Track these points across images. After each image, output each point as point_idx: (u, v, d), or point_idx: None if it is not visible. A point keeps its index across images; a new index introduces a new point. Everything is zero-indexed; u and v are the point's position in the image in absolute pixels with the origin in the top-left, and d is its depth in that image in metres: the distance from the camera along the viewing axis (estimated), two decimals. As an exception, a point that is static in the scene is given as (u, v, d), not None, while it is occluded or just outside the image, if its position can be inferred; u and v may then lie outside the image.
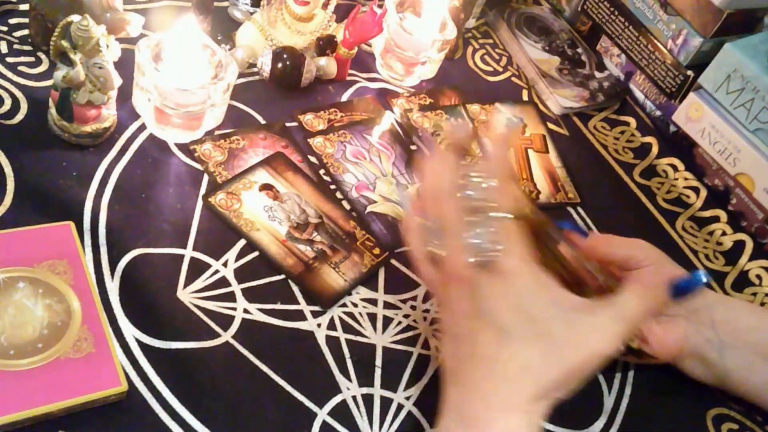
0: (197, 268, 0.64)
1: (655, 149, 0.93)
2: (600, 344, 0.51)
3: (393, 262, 0.71)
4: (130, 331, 0.58)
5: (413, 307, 0.68)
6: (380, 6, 0.83)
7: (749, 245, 0.86)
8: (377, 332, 0.65)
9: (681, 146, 0.93)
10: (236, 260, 0.66)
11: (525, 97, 0.94)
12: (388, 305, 0.67)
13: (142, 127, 0.72)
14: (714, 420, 0.69)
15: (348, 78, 0.85)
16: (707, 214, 0.88)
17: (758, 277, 0.83)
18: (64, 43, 0.63)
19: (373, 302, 0.67)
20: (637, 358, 0.67)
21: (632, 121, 0.96)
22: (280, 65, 0.78)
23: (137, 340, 0.58)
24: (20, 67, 0.72)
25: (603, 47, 1.02)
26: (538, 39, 1.00)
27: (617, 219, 0.84)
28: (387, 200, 0.75)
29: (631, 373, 0.70)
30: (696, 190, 0.90)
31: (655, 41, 0.94)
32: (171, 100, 0.68)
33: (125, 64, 0.70)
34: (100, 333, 0.56)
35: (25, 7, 0.75)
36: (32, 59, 0.73)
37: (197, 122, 0.71)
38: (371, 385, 0.62)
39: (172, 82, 0.67)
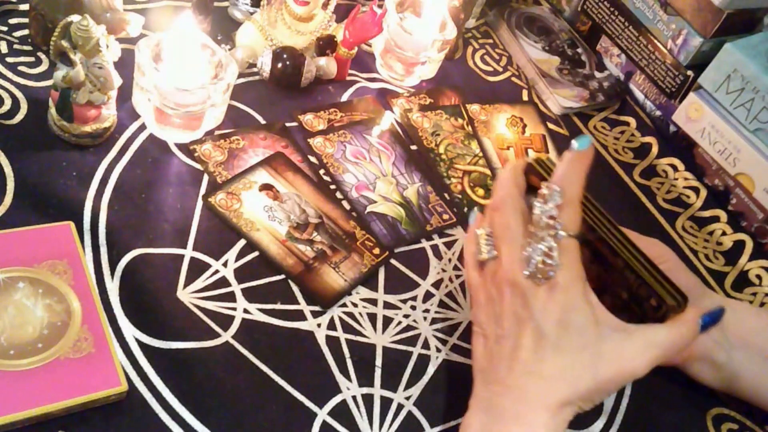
0: (197, 268, 0.64)
1: (655, 149, 0.93)
2: (632, 364, 0.54)
3: (393, 262, 0.71)
4: (130, 331, 0.58)
5: (413, 307, 0.68)
6: (380, 6, 0.83)
7: (749, 245, 0.86)
8: (377, 332, 0.65)
9: (681, 146, 0.93)
10: (236, 260, 0.66)
11: (525, 97, 0.94)
12: (388, 305, 0.67)
13: (142, 127, 0.72)
14: (714, 420, 0.69)
15: (348, 78, 0.85)
16: (707, 214, 0.88)
17: (758, 277, 0.83)
18: (64, 43, 0.63)
19: (373, 302, 0.67)
20: None
21: (632, 121, 0.96)
22: (280, 65, 0.78)
23: (137, 340, 0.58)
24: (20, 67, 0.72)
25: (603, 47, 1.02)
26: (538, 39, 1.00)
27: (617, 219, 0.83)
28: (387, 200, 0.75)
29: (631, 373, 0.70)
30: (696, 190, 0.90)
31: (655, 41, 0.94)
32: (171, 100, 0.68)
33: (125, 64, 0.71)
34: (100, 333, 0.56)
35: (25, 7, 0.75)
36: (32, 59, 0.73)
37: (197, 122, 0.71)
38: (371, 385, 0.62)
39: (172, 82, 0.67)
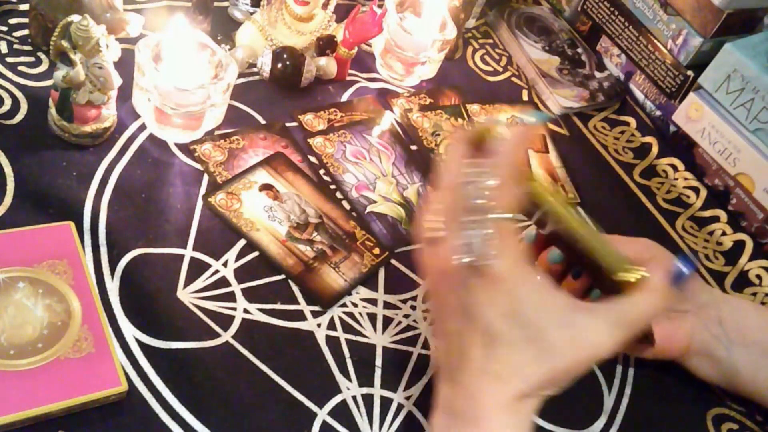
0: (197, 268, 0.64)
1: (655, 149, 0.93)
2: (595, 347, 0.50)
3: (393, 262, 0.71)
4: (130, 331, 0.58)
5: (413, 307, 0.68)
6: (380, 6, 0.83)
7: (749, 245, 0.86)
8: (377, 332, 0.65)
9: (681, 146, 0.93)
10: (236, 260, 0.66)
11: (525, 97, 0.94)
12: (388, 305, 0.67)
13: (142, 127, 0.72)
14: (714, 420, 0.69)
15: (348, 78, 0.85)
16: (707, 214, 0.88)
17: (758, 277, 0.83)
18: (64, 43, 0.63)
19: (373, 302, 0.67)
20: (644, 351, 0.66)
21: (632, 121, 0.96)
22: (280, 65, 0.78)
23: (137, 340, 0.58)
24: (20, 67, 0.72)
25: (603, 47, 1.02)
26: (538, 39, 1.00)
27: (617, 219, 0.84)
28: (387, 200, 0.75)
29: (631, 373, 0.70)
30: (696, 190, 0.90)
31: (655, 41, 0.94)
32: (171, 100, 0.68)
33: (125, 64, 0.70)
34: (100, 333, 0.56)
35: (25, 7, 0.75)
36: (32, 59, 0.73)
37: (197, 122, 0.71)
38: (371, 385, 0.62)
39: (172, 82, 0.67)
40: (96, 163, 0.68)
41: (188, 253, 0.65)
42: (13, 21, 0.75)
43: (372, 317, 0.66)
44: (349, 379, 0.62)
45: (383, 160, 0.78)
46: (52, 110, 0.67)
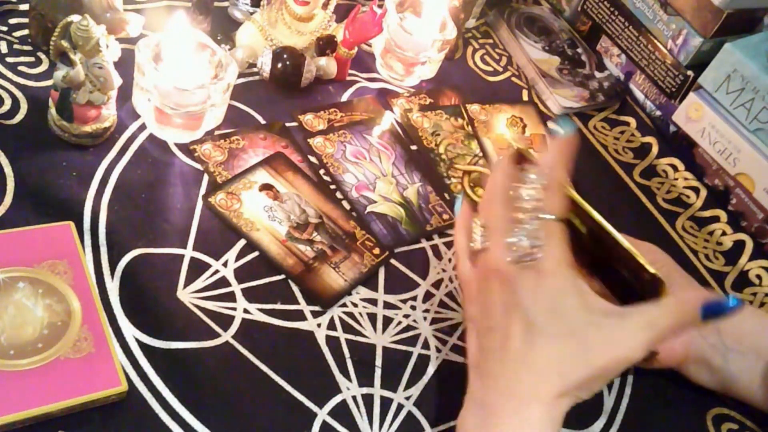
0: (197, 268, 0.64)
1: (655, 149, 0.93)
2: (626, 349, 0.52)
3: (393, 262, 0.71)
4: (130, 331, 0.58)
5: (413, 307, 0.68)
6: (380, 6, 0.83)
7: (749, 245, 0.86)
8: (377, 332, 0.65)
9: (681, 146, 0.93)
10: (236, 260, 0.66)
11: (525, 97, 0.94)
12: (388, 305, 0.67)
13: (142, 127, 0.72)
14: (714, 420, 0.69)
15: (348, 78, 0.85)
16: (707, 214, 0.88)
17: (758, 277, 0.83)
18: (64, 43, 0.63)
19: (373, 302, 0.67)
20: (644, 361, 0.66)
21: (632, 121, 0.96)
22: (280, 65, 0.78)
23: (137, 340, 0.58)
24: (20, 67, 0.72)
25: (603, 47, 1.02)
26: (538, 39, 1.00)
27: (617, 219, 0.84)
28: (387, 200, 0.75)
29: (631, 373, 0.70)
30: (696, 190, 0.90)
31: (655, 41, 0.94)
32: (171, 100, 0.68)
33: (125, 64, 0.71)
34: (100, 333, 0.56)
35: (25, 7, 0.75)
36: (32, 59, 0.73)
37: (197, 122, 0.71)
38: (371, 385, 0.62)
39: (172, 82, 0.67)
40: (96, 163, 0.68)
41: (188, 253, 0.65)
42: (13, 21, 0.75)
43: (372, 317, 0.66)
44: (349, 379, 0.62)
45: (383, 160, 0.78)
46: (52, 110, 0.67)
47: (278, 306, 0.64)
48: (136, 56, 0.68)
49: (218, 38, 0.81)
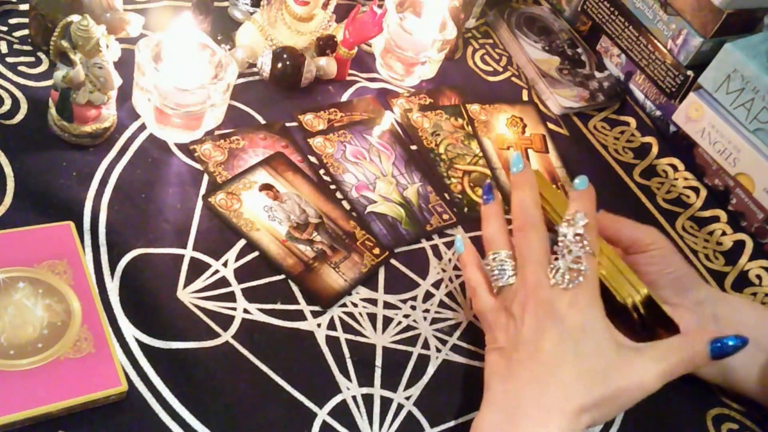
0: (197, 268, 0.64)
1: (655, 149, 0.93)
2: (643, 379, 0.55)
3: (393, 262, 0.71)
4: (130, 331, 0.58)
5: (413, 307, 0.68)
6: (380, 6, 0.83)
7: (749, 245, 0.86)
8: (377, 332, 0.65)
9: (681, 146, 0.93)
10: (236, 260, 0.66)
11: (525, 97, 0.94)
12: (388, 305, 0.67)
13: (142, 127, 0.72)
14: (714, 420, 0.69)
15: (348, 78, 0.85)
16: (707, 214, 0.88)
17: (758, 277, 0.83)
18: (64, 43, 0.63)
19: (373, 302, 0.67)
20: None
21: (632, 121, 0.96)
22: (280, 65, 0.78)
23: (137, 340, 0.58)
24: (20, 67, 0.72)
25: (603, 47, 1.02)
26: (538, 39, 1.00)
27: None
28: (387, 200, 0.75)
29: (631, 373, 0.70)
30: (696, 190, 0.90)
31: (655, 41, 0.94)
32: (171, 100, 0.68)
33: (125, 64, 0.70)
34: (100, 333, 0.56)
35: (25, 7, 0.75)
36: (32, 59, 0.73)
37: (197, 122, 0.71)
38: (371, 385, 0.62)
39: (172, 82, 0.67)
40: (96, 163, 0.68)
41: (188, 253, 0.65)
42: (13, 21, 0.75)
43: (372, 317, 0.66)
44: (349, 379, 0.62)
45: (383, 160, 0.78)
46: (52, 110, 0.67)
47: (278, 306, 0.64)
48: (136, 56, 0.68)
49: (218, 38, 0.81)
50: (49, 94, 0.67)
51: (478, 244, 0.65)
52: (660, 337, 0.61)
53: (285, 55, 0.78)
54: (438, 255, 0.73)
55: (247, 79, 0.80)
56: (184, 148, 0.72)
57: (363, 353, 0.63)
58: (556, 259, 0.58)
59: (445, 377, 0.64)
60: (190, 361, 0.58)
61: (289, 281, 0.66)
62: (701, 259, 0.83)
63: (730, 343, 0.57)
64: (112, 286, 0.60)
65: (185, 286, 0.62)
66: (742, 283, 0.82)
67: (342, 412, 0.60)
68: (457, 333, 0.68)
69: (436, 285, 0.71)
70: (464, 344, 0.67)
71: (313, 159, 0.76)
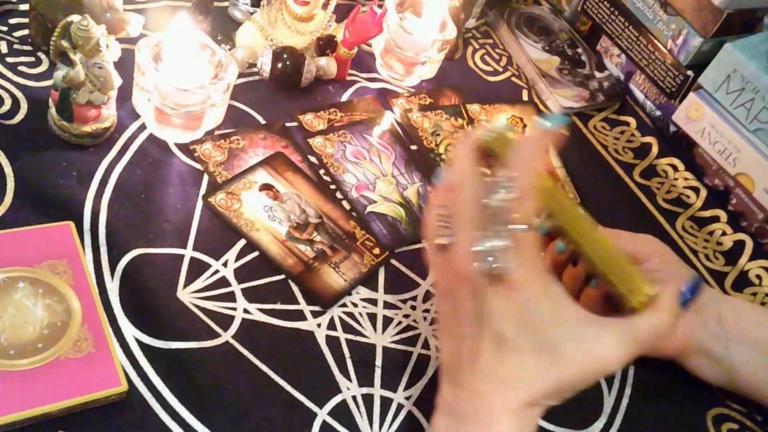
0: (197, 268, 0.64)
1: (655, 149, 0.93)
2: (604, 362, 0.51)
3: (393, 262, 0.71)
4: (130, 331, 0.58)
5: (413, 307, 0.68)
6: (380, 6, 0.83)
7: (749, 245, 0.86)
8: (377, 332, 0.65)
9: (681, 146, 0.93)
10: (236, 260, 0.66)
11: (525, 97, 0.94)
12: (388, 305, 0.67)
13: (142, 127, 0.72)
14: (714, 420, 0.69)
15: (348, 78, 0.85)
16: (707, 214, 0.88)
17: (758, 277, 0.83)
18: (64, 43, 0.63)
19: (373, 302, 0.67)
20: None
21: (632, 121, 0.96)
22: (280, 65, 0.78)
23: (137, 340, 0.58)
24: (20, 67, 0.72)
25: (603, 47, 1.02)
26: (538, 39, 1.00)
27: (617, 219, 0.84)
28: (387, 200, 0.75)
29: (631, 373, 0.70)
30: (696, 190, 0.90)
31: (655, 41, 0.94)
32: (171, 100, 0.68)
33: (125, 64, 0.71)
34: (100, 333, 0.56)
35: (25, 7, 0.75)
36: (32, 59, 0.73)
37: (197, 122, 0.71)
38: (371, 385, 0.62)
39: (172, 82, 0.67)
40: (96, 163, 0.68)
41: (188, 253, 0.65)
42: (13, 21, 0.75)
43: (372, 317, 0.66)
44: (349, 379, 0.62)
45: (383, 160, 0.78)
46: (52, 110, 0.67)
47: (278, 306, 0.64)
48: (136, 56, 0.68)
49: (218, 38, 0.81)
50: (49, 94, 0.67)
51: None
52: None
53: (285, 55, 0.78)
54: (438, 255, 0.73)
55: (247, 79, 0.80)
56: (184, 148, 0.72)
57: (363, 353, 0.63)
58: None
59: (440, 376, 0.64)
60: (190, 361, 0.58)
61: (289, 281, 0.66)
62: (701, 259, 0.83)
63: (695, 282, 0.54)
64: (112, 286, 0.60)
65: (185, 286, 0.62)
66: (742, 283, 0.82)
67: (342, 412, 0.60)
68: (457, 333, 0.68)
69: (436, 285, 0.70)
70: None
71: (313, 159, 0.76)
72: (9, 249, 0.58)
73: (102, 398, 0.53)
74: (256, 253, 0.66)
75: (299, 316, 0.64)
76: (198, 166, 0.71)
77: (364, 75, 0.87)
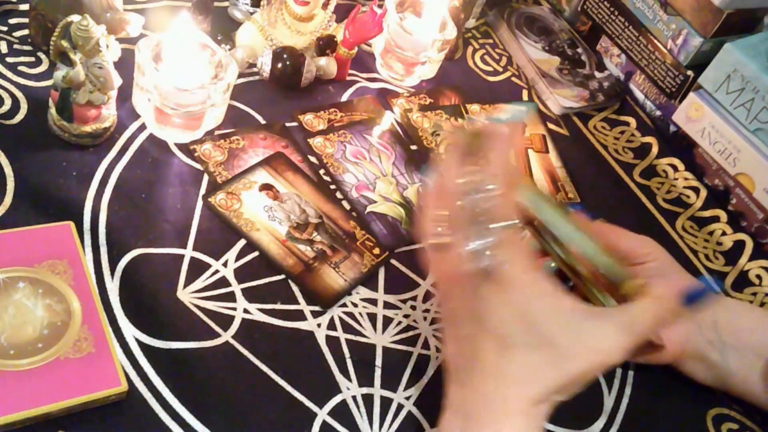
0: (197, 268, 0.64)
1: (655, 149, 0.93)
2: (603, 354, 0.50)
3: (393, 262, 0.71)
4: (130, 331, 0.58)
5: (413, 307, 0.68)
6: (380, 6, 0.83)
7: (749, 245, 0.86)
8: (377, 332, 0.65)
9: (681, 146, 0.93)
10: (236, 260, 0.66)
11: (525, 97, 0.94)
12: (388, 305, 0.67)
13: (142, 127, 0.72)
14: (714, 420, 0.69)
15: (348, 78, 0.85)
16: (707, 214, 0.88)
17: (758, 277, 0.83)
18: (64, 43, 0.63)
19: (373, 302, 0.67)
20: (643, 354, 0.66)
21: (632, 121, 0.96)
22: (280, 65, 0.78)
23: (137, 340, 0.58)
24: (20, 67, 0.72)
25: (603, 47, 1.02)
26: (538, 39, 1.00)
27: (617, 219, 0.84)
28: (387, 200, 0.75)
29: (631, 373, 0.70)
30: (696, 190, 0.90)
31: (655, 41, 0.94)
32: (171, 100, 0.68)
33: (125, 64, 0.71)
34: (100, 333, 0.56)
35: (25, 7, 0.75)
36: (32, 59, 0.73)
37: (197, 122, 0.71)
38: (371, 385, 0.62)
39: (172, 82, 0.67)
40: (96, 163, 0.68)
41: (188, 253, 0.65)
42: (13, 21, 0.75)
43: (372, 317, 0.66)
44: (349, 379, 0.62)
45: (383, 160, 0.78)
46: (52, 110, 0.67)
47: (278, 306, 0.64)
48: (136, 56, 0.68)
49: (218, 38, 0.81)
50: (49, 94, 0.67)
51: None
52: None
53: (285, 55, 0.78)
54: (438, 255, 0.73)
55: (247, 79, 0.80)
56: (184, 148, 0.72)
57: (363, 353, 0.63)
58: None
59: (445, 377, 0.64)
60: (190, 361, 0.58)
61: (289, 281, 0.66)
62: (701, 259, 0.83)
63: (707, 288, 0.53)
64: (112, 286, 0.60)
65: (185, 286, 0.62)
66: (742, 283, 0.82)
67: (342, 412, 0.60)
68: (457, 333, 0.68)
69: (436, 285, 0.70)
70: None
71: (313, 159, 0.76)
72: (9, 249, 0.58)
73: (102, 398, 0.53)
74: (256, 253, 0.66)
75: (299, 316, 0.64)
76: (198, 166, 0.71)
77: (364, 75, 0.87)
